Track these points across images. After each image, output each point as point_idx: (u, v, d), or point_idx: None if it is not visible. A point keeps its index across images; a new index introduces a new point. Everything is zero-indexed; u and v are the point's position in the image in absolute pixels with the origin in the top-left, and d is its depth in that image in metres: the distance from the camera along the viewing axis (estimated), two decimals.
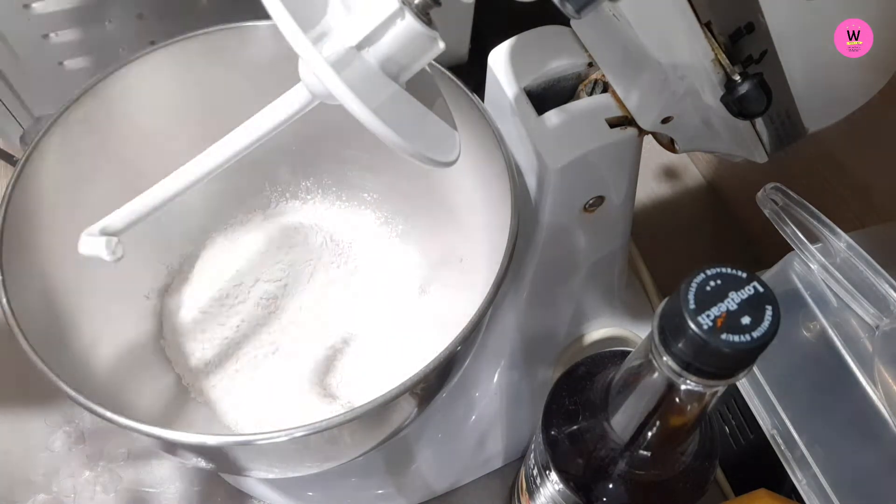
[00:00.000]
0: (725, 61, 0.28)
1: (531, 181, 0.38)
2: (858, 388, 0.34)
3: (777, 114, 0.31)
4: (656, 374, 0.24)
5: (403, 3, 0.26)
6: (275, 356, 0.45)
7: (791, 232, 0.36)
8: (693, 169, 0.64)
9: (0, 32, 0.44)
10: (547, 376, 0.47)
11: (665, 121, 0.34)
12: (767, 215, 0.37)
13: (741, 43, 0.28)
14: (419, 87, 0.30)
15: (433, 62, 0.28)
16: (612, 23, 0.33)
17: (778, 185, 0.37)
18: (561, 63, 0.38)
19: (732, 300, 0.21)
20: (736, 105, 0.28)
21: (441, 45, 0.27)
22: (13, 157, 0.51)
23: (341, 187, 0.50)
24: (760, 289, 0.22)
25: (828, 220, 0.35)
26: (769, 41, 0.28)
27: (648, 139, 0.37)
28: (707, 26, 0.27)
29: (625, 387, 0.27)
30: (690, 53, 0.28)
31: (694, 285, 0.22)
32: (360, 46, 0.26)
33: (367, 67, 0.26)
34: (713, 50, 0.28)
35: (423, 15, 0.26)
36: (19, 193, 0.35)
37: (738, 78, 0.28)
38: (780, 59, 0.28)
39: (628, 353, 0.28)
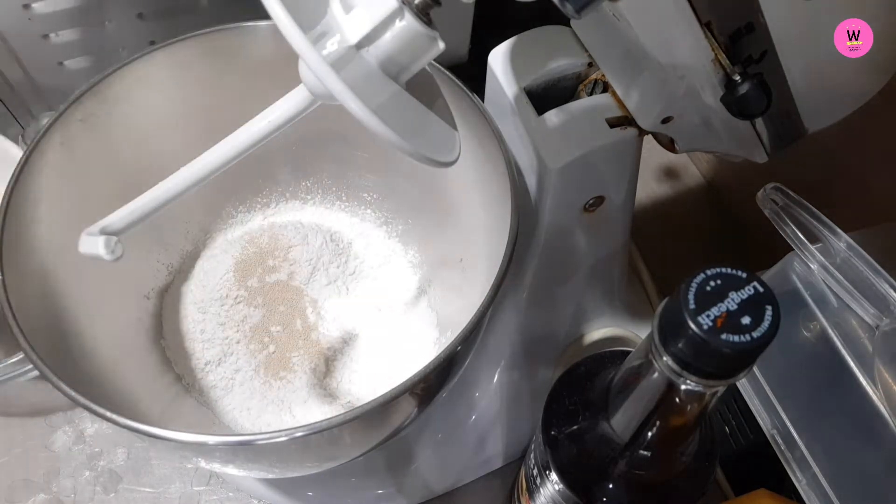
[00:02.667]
0: (725, 61, 0.28)
1: (531, 181, 0.38)
2: (858, 388, 0.34)
3: (777, 114, 0.31)
4: (656, 374, 0.24)
5: (403, 2, 0.26)
6: (275, 356, 0.45)
7: (791, 232, 0.36)
8: (693, 169, 0.64)
9: (0, 32, 0.44)
10: (547, 376, 0.47)
11: (665, 121, 0.34)
12: (767, 215, 0.37)
13: (741, 43, 0.28)
14: (419, 87, 0.30)
15: (433, 62, 0.28)
16: (612, 23, 0.33)
17: (778, 185, 0.37)
18: (561, 63, 0.38)
19: (732, 300, 0.21)
20: (736, 105, 0.28)
21: (441, 45, 0.27)
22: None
23: (341, 187, 0.50)
24: (760, 289, 0.22)
25: (828, 220, 0.35)
26: (769, 41, 0.28)
27: (648, 139, 0.37)
28: (707, 26, 0.27)
29: (625, 387, 0.27)
30: (690, 53, 0.28)
31: (694, 285, 0.22)
32: (359, 46, 0.26)
33: (367, 67, 0.26)
34: (713, 50, 0.28)
35: (423, 15, 0.26)
36: (19, 193, 0.35)
37: (738, 78, 0.28)
38: (780, 59, 0.28)
39: (628, 353, 0.28)
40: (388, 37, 0.26)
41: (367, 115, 0.24)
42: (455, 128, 0.31)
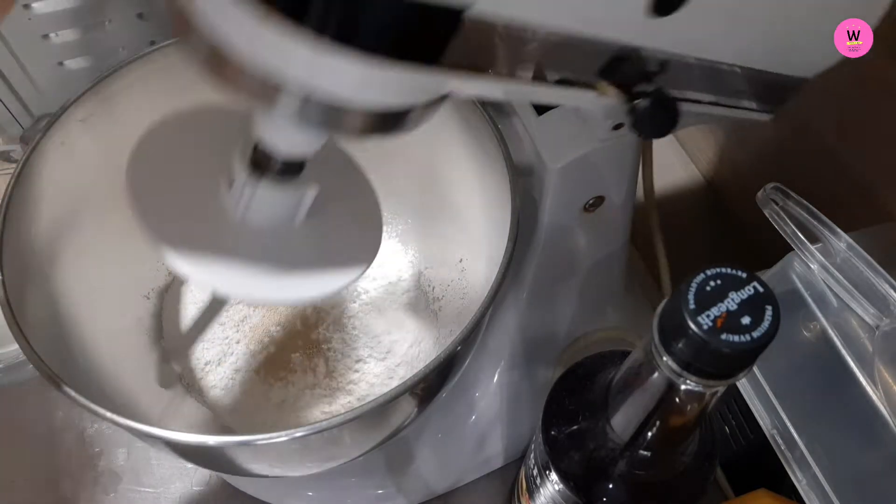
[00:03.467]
0: (616, 94, 0.26)
1: (531, 181, 0.38)
2: (858, 388, 0.34)
3: (732, 94, 0.29)
4: (656, 374, 0.24)
5: (253, 173, 0.27)
6: (275, 356, 0.45)
7: (791, 232, 0.36)
8: (693, 169, 0.64)
9: (0, 32, 0.44)
10: (547, 376, 0.47)
11: (616, 127, 0.34)
12: (767, 215, 0.37)
13: (623, 69, 0.26)
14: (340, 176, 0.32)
15: None
16: None
17: (778, 185, 0.37)
18: None
19: (732, 300, 0.21)
20: (641, 130, 0.27)
21: (311, 191, 0.29)
22: (13, 156, 0.51)
23: None
24: (760, 289, 0.22)
25: (828, 220, 0.35)
26: (664, 52, 0.26)
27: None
28: (568, 81, 0.26)
29: (625, 387, 0.27)
30: (581, 102, 0.27)
31: (694, 285, 0.22)
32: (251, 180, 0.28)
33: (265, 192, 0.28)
34: (599, 91, 0.26)
35: (285, 173, 0.28)
36: (19, 193, 0.35)
37: (635, 103, 0.26)
38: (694, 56, 0.26)
39: (628, 353, 0.28)
40: (252, 194, 0.28)
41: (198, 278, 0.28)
42: (373, 226, 0.33)
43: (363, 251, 0.32)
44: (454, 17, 0.20)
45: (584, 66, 0.25)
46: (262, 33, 0.20)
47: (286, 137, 0.26)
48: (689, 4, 0.23)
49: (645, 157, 0.42)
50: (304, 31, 0.19)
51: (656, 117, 0.26)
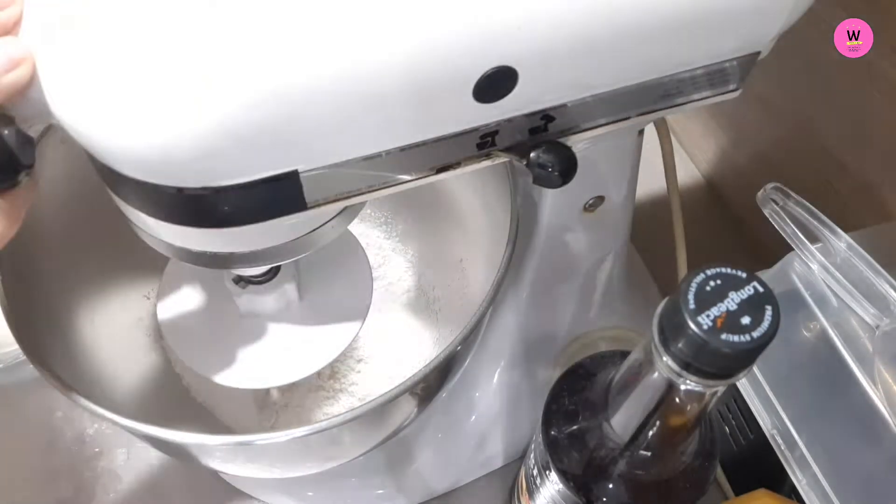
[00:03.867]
0: (509, 156, 0.26)
1: (531, 181, 0.38)
2: (858, 388, 0.34)
3: (692, 89, 0.28)
4: (656, 374, 0.24)
5: (237, 285, 0.35)
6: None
7: (791, 232, 0.36)
8: (693, 169, 0.64)
9: None
10: (547, 376, 0.47)
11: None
12: (767, 215, 0.37)
13: (502, 138, 0.25)
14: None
15: None
16: None
17: (778, 185, 0.37)
18: None
19: (732, 300, 0.21)
20: (544, 182, 0.26)
21: (289, 286, 0.35)
22: None
23: None
24: (760, 289, 0.22)
25: (828, 220, 0.35)
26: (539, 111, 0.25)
27: (648, 139, 0.37)
28: (452, 165, 0.26)
29: (625, 387, 0.27)
30: (479, 168, 0.27)
31: (694, 285, 0.22)
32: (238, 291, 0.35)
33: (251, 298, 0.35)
34: (493, 158, 0.26)
35: (261, 280, 0.35)
36: None
37: (530, 157, 0.26)
38: (589, 96, 0.26)
39: (628, 353, 0.28)
40: (242, 301, 0.35)
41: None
42: (364, 280, 0.37)
43: (359, 303, 0.38)
44: (293, 177, 0.22)
45: (457, 153, 0.25)
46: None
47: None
48: (521, 83, 0.23)
49: (665, 152, 0.42)
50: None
51: (550, 166, 0.26)
